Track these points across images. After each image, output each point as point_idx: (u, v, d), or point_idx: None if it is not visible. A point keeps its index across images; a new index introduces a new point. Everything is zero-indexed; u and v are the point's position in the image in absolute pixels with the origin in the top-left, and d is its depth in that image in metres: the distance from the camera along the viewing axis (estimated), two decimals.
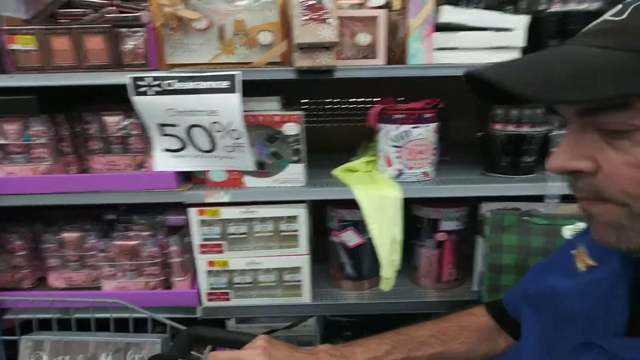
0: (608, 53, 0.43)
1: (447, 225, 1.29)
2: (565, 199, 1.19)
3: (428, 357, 0.79)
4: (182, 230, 1.30)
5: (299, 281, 1.27)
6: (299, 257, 1.25)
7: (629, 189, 0.45)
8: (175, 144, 1.17)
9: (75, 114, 1.25)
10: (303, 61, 1.08)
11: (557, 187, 1.17)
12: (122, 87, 1.10)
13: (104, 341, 0.81)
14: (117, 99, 1.27)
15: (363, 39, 1.14)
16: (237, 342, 0.75)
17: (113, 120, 1.24)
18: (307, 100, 1.68)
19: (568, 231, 1.12)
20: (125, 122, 1.23)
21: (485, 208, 1.22)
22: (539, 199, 1.20)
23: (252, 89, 1.12)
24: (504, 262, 1.14)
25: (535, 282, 0.77)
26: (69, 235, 1.29)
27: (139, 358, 0.82)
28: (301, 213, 1.22)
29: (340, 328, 1.59)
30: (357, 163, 1.31)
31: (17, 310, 1.26)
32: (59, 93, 1.17)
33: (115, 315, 0.95)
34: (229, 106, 1.09)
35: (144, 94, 1.09)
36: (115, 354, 0.81)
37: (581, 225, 1.13)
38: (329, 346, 0.76)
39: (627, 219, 0.47)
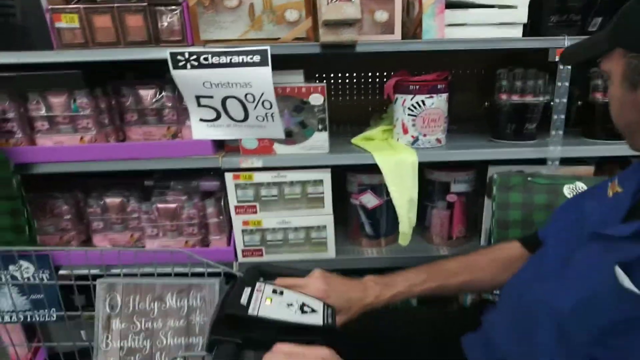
0: (600, 33, 0.72)
1: (457, 187, 1.42)
2: (565, 161, 1.32)
3: (457, 285, 0.92)
4: (215, 194, 1.42)
5: (324, 238, 1.41)
6: (324, 216, 1.38)
7: (612, 112, 0.73)
8: (211, 114, 1.28)
9: (111, 88, 1.35)
10: (328, 36, 1.18)
11: (558, 150, 1.30)
12: (156, 63, 1.20)
13: (169, 283, 0.91)
14: (150, 74, 1.38)
15: (380, 16, 1.23)
16: (296, 274, 0.88)
17: (147, 94, 1.34)
18: (325, 75, 1.78)
19: (567, 189, 1.26)
20: (159, 96, 1.34)
21: (492, 171, 1.36)
22: (540, 162, 1.33)
23: (276, 63, 1.22)
24: (510, 218, 1.27)
25: (572, 206, 0.88)
26: (111, 200, 1.41)
27: (200, 296, 0.93)
28: (326, 177, 1.34)
29: None
30: (374, 132, 1.43)
31: (70, 267, 1.39)
32: (96, 69, 1.27)
33: (177, 268, 1.06)
34: (261, 78, 1.19)
35: (183, 67, 1.19)
36: (179, 294, 0.92)
37: (579, 183, 1.26)
38: (374, 276, 0.90)
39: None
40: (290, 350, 0.66)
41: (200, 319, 0.91)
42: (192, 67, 1.20)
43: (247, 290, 0.77)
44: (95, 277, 1.02)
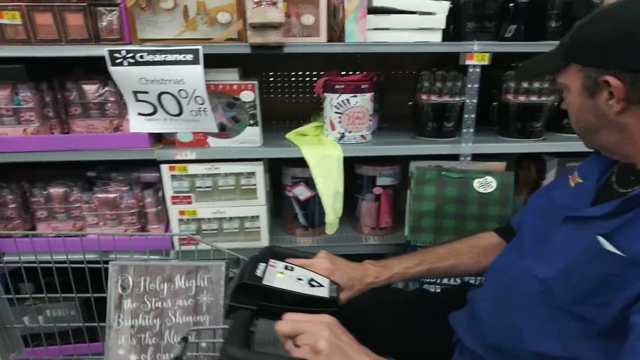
0: (553, 50, 0.81)
1: (383, 181, 1.53)
2: (476, 157, 1.43)
3: (445, 268, 1.04)
4: (155, 185, 1.50)
5: (257, 228, 1.49)
6: (258, 207, 1.47)
7: (571, 118, 0.82)
8: (148, 109, 1.35)
9: (57, 82, 1.42)
10: (255, 38, 1.27)
11: (469, 147, 1.41)
12: (98, 59, 1.27)
13: (178, 265, 0.96)
14: (92, 70, 1.45)
15: (307, 19, 1.33)
16: (304, 255, 0.95)
17: (91, 89, 1.41)
18: (264, 74, 1.87)
19: (477, 183, 1.37)
20: (102, 90, 1.41)
21: (413, 166, 1.46)
22: (457, 158, 1.44)
23: (216, 62, 1.30)
24: (424, 209, 1.38)
25: (540, 197, 0.99)
26: (55, 190, 1.48)
27: (207, 278, 0.98)
28: (258, 170, 1.43)
29: None
30: (307, 128, 1.52)
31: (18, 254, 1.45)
32: (42, 64, 1.33)
33: (184, 247, 1.09)
34: (193, 76, 1.28)
35: (120, 64, 1.27)
36: (187, 275, 0.97)
37: (489, 178, 1.37)
38: (372, 261, 1.01)
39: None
40: (298, 317, 0.73)
41: (207, 298, 0.97)
42: (129, 64, 1.28)
43: (262, 265, 0.84)
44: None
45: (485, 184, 1.36)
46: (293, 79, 1.87)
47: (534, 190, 1.61)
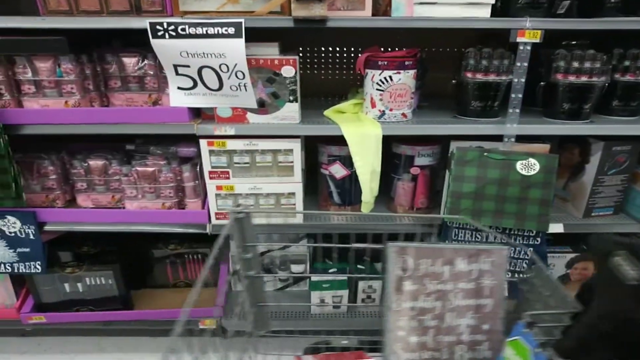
0: None
1: (421, 160, 1.50)
2: (519, 139, 1.39)
3: None
4: (192, 160, 1.51)
5: (293, 204, 1.49)
6: (294, 184, 1.47)
7: None
8: (188, 83, 1.35)
9: (96, 55, 1.41)
10: (300, 11, 1.24)
11: (514, 128, 1.37)
12: (139, 32, 1.26)
13: (459, 248, 0.92)
14: (131, 43, 1.44)
15: None
16: None
17: (130, 61, 1.41)
18: (303, 49, 1.83)
19: (520, 165, 1.34)
20: (142, 64, 1.40)
21: (454, 146, 1.43)
22: (501, 138, 1.41)
23: (254, 36, 1.28)
24: (464, 190, 1.36)
25: None
26: (95, 162, 1.50)
27: (490, 262, 0.92)
28: (296, 146, 1.42)
29: (326, 250, 1.83)
30: (345, 105, 1.50)
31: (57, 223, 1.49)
32: (83, 36, 1.33)
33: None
34: (235, 50, 1.26)
35: (162, 37, 1.25)
36: (470, 259, 0.92)
37: (532, 160, 1.34)
38: None
39: None
40: None
41: (489, 282, 0.93)
42: (170, 36, 1.26)
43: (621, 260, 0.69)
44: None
45: (529, 166, 1.33)
46: (331, 54, 1.83)
47: (577, 174, 1.57)
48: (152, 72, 1.40)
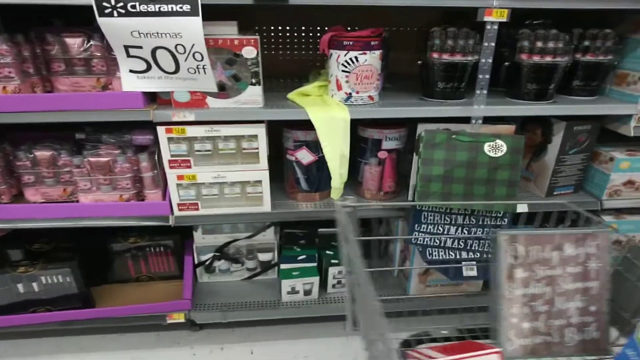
0: None
1: (389, 144, 1.48)
2: (488, 120, 1.39)
3: None
4: (149, 148, 1.42)
5: (259, 193, 1.44)
6: (260, 172, 1.41)
7: None
8: (141, 65, 1.25)
9: (34, 35, 1.28)
10: None
11: (481, 110, 1.37)
12: (83, 9, 1.15)
13: (567, 233, 0.96)
14: (77, 22, 1.31)
15: None
16: None
17: (74, 42, 1.29)
18: (258, 28, 1.75)
19: (488, 147, 1.34)
20: (87, 45, 1.29)
21: (421, 129, 1.41)
22: (467, 120, 1.40)
23: (209, 15, 1.19)
24: (433, 173, 1.34)
25: None
26: (41, 153, 1.38)
27: (595, 245, 0.97)
28: (261, 132, 1.36)
29: (294, 238, 1.81)
30: (310, 87, 1.44)
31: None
32: (16, 14, 1.19)
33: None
34: (192, 29, 1.17)
35: (110, 15, 1.15)
36: (576, 243, 0.96)
37: (499, 141, 1.34)
38: None
39: None
40: None
41: (595, 265, 0.97)
42: (120, 14, 1.16)
43: None
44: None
45: (496, 148, 1.33)
46: (289, 33, 1.76)
47: (539, 154, 1.60)
48: (99, 54, 1.29)
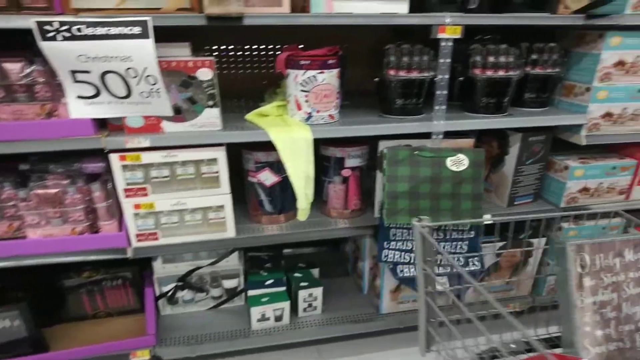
0: None
1: (351, 162, 1.47)
2: (448, 135, 1.41)
3: None
4: (101, 176, 1.34)
5: (222, 218, 1.39)
6: (222, 196, 1.36)
7: None
8: (89, 91, 1.18)
9: None
10: (214, 8, 1.14)
11: (441, 125, 1.38)
12: (22, 33, 1.08)
13: (626, 239, 0.99)
14: (10, 46, 1.23)
15: None
16: None
17: (13, 67, 1.20)
18: (209, 48, 1.72)
19: (450, 162, 1.35)
20: (28, 69, 1.21)
21: (383, 146, 1.41)
22: (427, 136, 1.41)
23: (160, 36, 1.15)
24: (399, 190, 1.34)
25: None
26: None
27: None
28: (220, 155, 1.32)
29: (259, 261, 1.75)
30: (268, 108, 1.42)
31: None
32: None
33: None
34: (143, 52, 1.12)
35: (53, 39, 1.08)
36: (635, 248, 0.99)
37: (461, 155, 1.35)
38: None
39: None
40: None
41: None
42: (65, 38, 1.10)
43: None
44: None
45: (458, 162, 1.34)
46: (248, 52, 1.74)
47: (497, 165, 1.63)
48: (43, 79, 1.21)
